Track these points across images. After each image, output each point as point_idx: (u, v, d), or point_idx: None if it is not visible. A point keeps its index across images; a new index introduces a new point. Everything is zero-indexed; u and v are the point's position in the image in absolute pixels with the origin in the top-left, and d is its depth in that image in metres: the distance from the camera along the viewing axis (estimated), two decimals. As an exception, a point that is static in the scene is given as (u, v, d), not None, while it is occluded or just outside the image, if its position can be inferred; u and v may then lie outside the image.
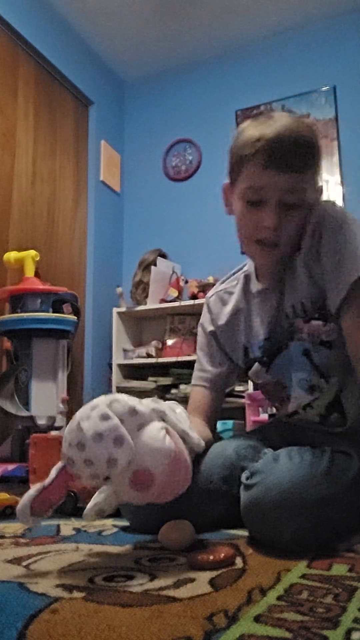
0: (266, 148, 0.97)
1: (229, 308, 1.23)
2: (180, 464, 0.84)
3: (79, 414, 0.82)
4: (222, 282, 1.29)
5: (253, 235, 1.05)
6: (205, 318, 1.28)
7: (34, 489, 0.81)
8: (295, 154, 0.97)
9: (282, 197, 1.00)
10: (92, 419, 0.79)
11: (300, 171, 0.99)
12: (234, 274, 1.27)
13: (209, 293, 1.30)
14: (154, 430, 0.83)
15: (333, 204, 1.07)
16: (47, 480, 0.82)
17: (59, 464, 0.84)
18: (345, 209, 1.08)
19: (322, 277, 1.04)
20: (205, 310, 1.29)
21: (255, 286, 1.19)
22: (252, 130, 1.01)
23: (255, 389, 2.66)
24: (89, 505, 0.79)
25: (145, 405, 0.87)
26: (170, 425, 0.87)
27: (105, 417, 0.79)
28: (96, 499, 0.79)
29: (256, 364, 1.20)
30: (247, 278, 1.22)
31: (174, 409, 0.94)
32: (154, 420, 0.85)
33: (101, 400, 0.83)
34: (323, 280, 1.04)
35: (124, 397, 0.85)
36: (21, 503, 0.80)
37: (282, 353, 1.15)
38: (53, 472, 0.83)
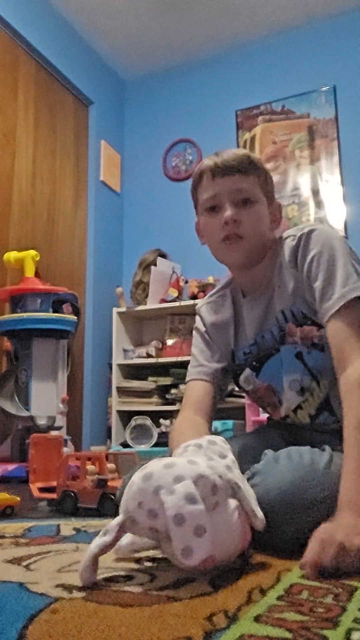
0: (209, 165, 1.12)
1: (219, 318, 1.27)
2: (245, 542, 0.80)
3: (157, 476, 0.74)
4: (211, 295, 1.33)
5: (218, 235, 1.13)
6: (198, 322, 1.33)
7: (96, 545, 0.73)
8: (235, 161, 1.11)
9: (233, 196, 1.11)
10: (176, 494, 0.72)
11: (243, 173, 1.11)
12: (221, 288, 1.31)
13: (199, 304, 1.35)
14: (229, 514, 0.77)
15: (320, 225, 1.15)
16: (108, 538, 0.74)
17: (119, 519, 0.76)
18: (331, 229, 1.16)
19: (309, 289, 1.08)
20: (197, 317, 1.34)
21: (239, 295, 1.24)
22: (199, 165, 1.17)
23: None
24: (125, 542, 0.78)
25: (221, 473, 0.79)
26: (241, 501, 0.81)
27: (192, 500, 0.71)
28: (121, 544, 0.77)
29: (246, 370, 1.24)
30: (233, 290, 1.27)
31: (226, 455, 0.86)
32: (228, 498, 0.79)
33: (185, 471, 0.75)
34: (311, 292, 1.08)
35: (207, 471, 0.76)
36: (84, 564, 0.73)
37: (272, 358, 1.18)
38: (114, 527, 0.75)
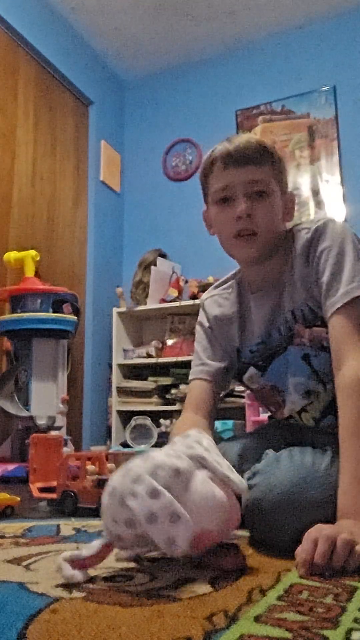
0: (222, 153, 1.08)
1: (224, 312, 1.24)
2: (233, 511, 0.81)
3: (119, 487, 0.75)
4: (216, 287, 1.29)
5: (231, 230, 1.09)
6: (202, 316, 1.28)
7: (68, 553, 0.75)
8: (249, 150, 1.06)
9: (247, 188, 1.06)
10: (139, 496, 0.72)
11: (257, 163, 1.06)
12: (226, 280, 1.27)
13: (204, 296, 1.31)
14: (202, 487, 0.78)
15: (334, 219, 1.11)
16: (85, 552, 0.75)
17: (103, 540, 0.76)
18: (346, 225, 1.11)
19: (316, 285, 1.06)
20: (201, 311, 1.30)
21: (247, 291, 1.20)
22: (209, 152, 1.13)
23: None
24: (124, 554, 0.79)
25: (183, 454, 0.81)
26: (211, 471, 0.81)
27: (155, 494, 0.72)
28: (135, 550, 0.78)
29: (251, 368, 1.20)
30: (239, 284, 1.23)
31: (201, 442, 0.87)
32: (195, 472, 0.79)
33: (141, 469, 0.75)
34: (318, 288, 1.05)
35: (164, 460, 0.77)
36: (57, 564, 0.74)
37: (278, 357, 1.15)
38: (95, 545, 0.76)
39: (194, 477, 0.79)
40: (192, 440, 0.86)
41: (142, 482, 0.73)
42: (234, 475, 0.83)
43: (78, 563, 0.74)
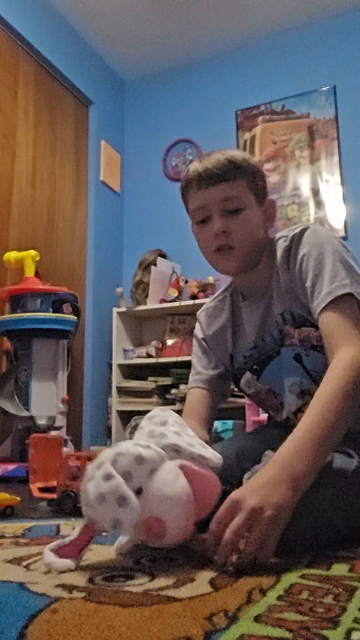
0: (195, 174, 1.12)
1: (218, 322, 1.29)
2: (196, 506, 0.82)
3: (88, 472, 0.81)
4: (212, 300, 1.34)
5: (210, 246, 1.14)
6: (197, 329, 1.35)
7: (53, 543, 0.81)
8: (217, 169, 1.09)
9: (221, 206, 1.10)
10: (95, 479, 0.77)
11: (227, 180, 1.10)
12: (222, 292, 1.32)
13: (200, 310, 1.36)
14: (166, 474, 0.80)
15: (312, 225, 1.14)
16: (69, 538, 0.81)
17: (83, 522, 0.82)
18: (324, 229, 1.15)
19: (302, 289, 1.08)
20: (197, 324, 1.35)
21: (239, 299, 1.25)
22: (185, 172, 1.17)
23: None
24: (116, 545, 0.83)
25: (156, 444, 0.84)
26: (185, 456, 0.84)
27: (108, 477, 0.76)
28: (121, 541, 0.83)
29: (247, 373, 1.24)
30: (233, 294, 1.28)
31: (166, 421, 0.91)
32: (165, 461, 0.82)
33: (106, 456, 0.80)
34: (304, 292, 1.08)
35: (128, 447, 0.81)
36: (44, 555, 0.80)
37: (273, 360, 1.18)
38: (77, 529, 0.82)
39: (163, 466, 0.81)
40: (158, 420, 0.90)
41: (101, 467, 0.78)
42: (208, 452, 0.86)
43: (64, 550, 0.79)
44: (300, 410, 1.17)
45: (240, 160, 1.12)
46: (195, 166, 1.13)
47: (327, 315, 1.02)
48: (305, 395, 1.15)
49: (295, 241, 1.11)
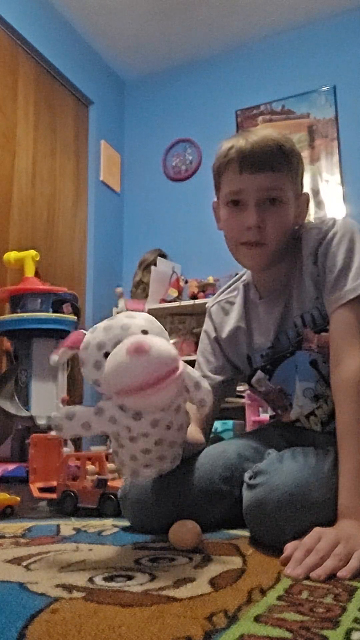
0: (238, 154, 1.02)
1: (231, 319, 1.22)
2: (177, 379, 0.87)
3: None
4: (222, 292, 1.27)
5: (239, 238, 1.06)
6: (208, 325, 1.27)
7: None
8: (266, 155, 1.01)
9: (260, 196, 1.02)
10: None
11: (274, 170, 1.01)
12: (232, 283, 1.26)
13: (210, 302, 1.29)
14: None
15: (344, 218, 1.09)
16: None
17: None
18: (355, 223, 1.09)
19: (324, 281, 1.04)
20: (207, 319, 1.28)
21: (256, 295, 1.18)
22: (226, 143, 1.06)
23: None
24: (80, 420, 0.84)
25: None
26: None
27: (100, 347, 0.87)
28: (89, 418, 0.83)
29: (258, 372, 1.19)
30: (246, 287, 1.21)
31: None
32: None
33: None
34: (325, 284, 1.04)
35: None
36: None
37: (286, 360, 1.14)
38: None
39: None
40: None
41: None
42: (205, 383, 0.95)
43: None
44: (313, 414, 1.14)
45: (289, 150, 1.03)
46: (241, 144, 1.02)
47: (343, 314, 0.99)
48: (319, 399, 1.12)
49: (329, 232, 1.05)
